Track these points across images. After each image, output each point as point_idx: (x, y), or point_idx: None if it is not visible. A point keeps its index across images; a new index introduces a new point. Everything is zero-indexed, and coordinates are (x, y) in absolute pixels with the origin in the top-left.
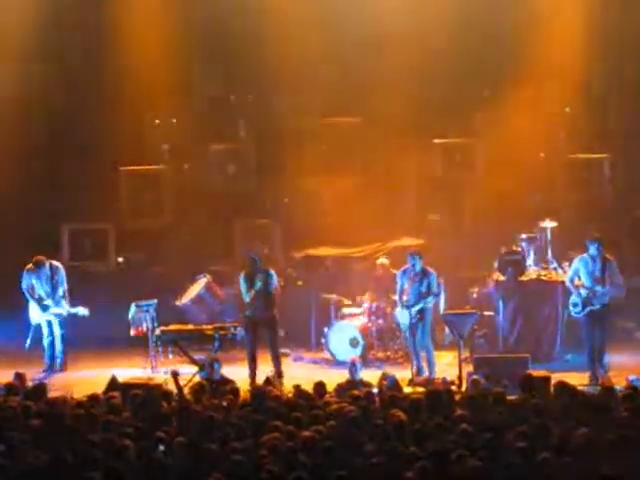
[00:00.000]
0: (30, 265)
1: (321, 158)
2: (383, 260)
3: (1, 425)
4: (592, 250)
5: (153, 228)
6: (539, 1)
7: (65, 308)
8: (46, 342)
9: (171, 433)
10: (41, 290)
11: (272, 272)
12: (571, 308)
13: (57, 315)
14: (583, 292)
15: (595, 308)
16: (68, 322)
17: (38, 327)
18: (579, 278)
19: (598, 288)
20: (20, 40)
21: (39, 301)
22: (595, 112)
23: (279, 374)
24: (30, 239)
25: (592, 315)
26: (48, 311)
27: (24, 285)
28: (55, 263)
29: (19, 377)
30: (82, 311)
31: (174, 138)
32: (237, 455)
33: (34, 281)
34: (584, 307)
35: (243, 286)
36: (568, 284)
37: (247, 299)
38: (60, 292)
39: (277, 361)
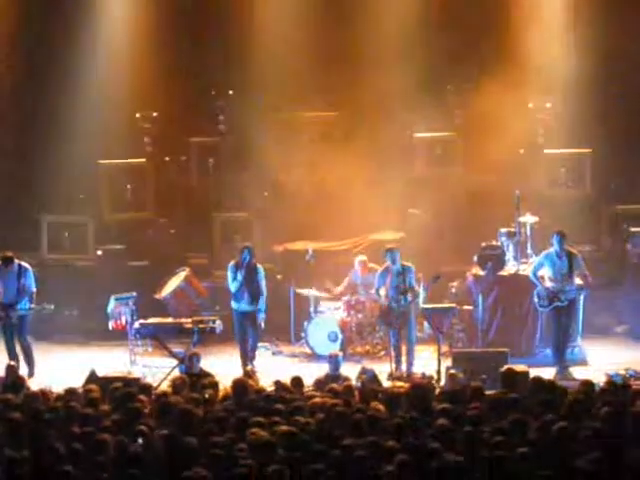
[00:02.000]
0: None
1: (301, 152)
2: (361, 257)
3: None
4: (556, 245)
5: (133, 221)
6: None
7: (28, 308)
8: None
9: (150, 426)
10: (5, 290)
11: (260, 267)
12: (535, 300)
13: (20, 318)
14: (549, 286)
15: (562, 304)
16: (32, 325)
17: None
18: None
19: (566, 284)
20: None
21: (1, 305)
22: (576, 107)
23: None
24: (9, 231)
25: (559, 310)
26: (10, 315)
27: None
28: (24, 264)
29: (10, 369)
30: (47, 307)
31: (155, 131)
32: (216, 449)
33: None
34: (550, 302)
35: (229, 276)
36: (531, 277)
37: (232, 289)
38: (26, 296)
39: (251, 355)
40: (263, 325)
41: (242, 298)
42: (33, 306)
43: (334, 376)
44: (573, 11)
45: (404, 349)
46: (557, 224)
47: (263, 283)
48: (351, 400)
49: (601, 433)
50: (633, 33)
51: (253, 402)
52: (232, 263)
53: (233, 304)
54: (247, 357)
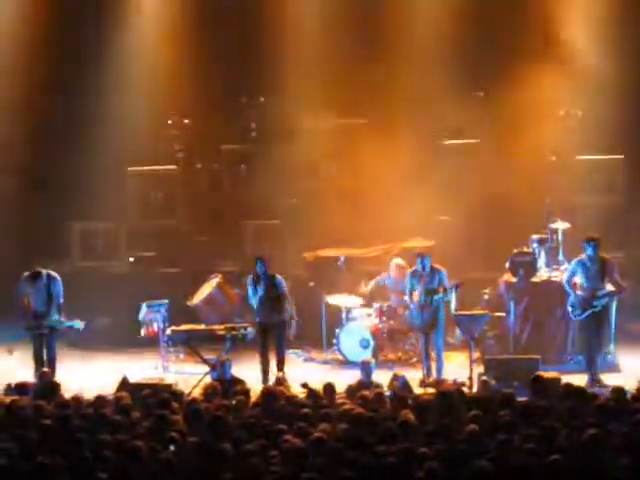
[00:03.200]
0: (27, 274)
1: (331, 159)
2: (398, 260)
3: (14, 425)
4: (589, 251)
5: (164, 228)
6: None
7: (60, 320)
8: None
9: (182, 433)
10: (35, 301)
11: (279, 277)
12: (569, 309)
13: (51, 329)
14: (580, 294)
15: (596, 310)
16: (60, 338)
17: None
18: (576, 280)
19: (598, 289)
20: (32, 38)
21: (33, 314)
22: (607, 113)
23: (281, 378)
24: (40, 239)
25: (593, 317)
26: (41, 325)
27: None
28: (53, 274)
29: (43, 375)
30: (77, 324)
31: (186, 139)
32: (248, 456)
33: (29, 291)
34: (583, 310)
35: (249, 290)
36: (564, 285)
37: (253, 303)
38: (55, 305)
39: (281, 364)
40: (294, 331)
41: (264, 310)
42: (63, 320)
43: (366, 383)
44: (604, 17)
45: (432, 356)
46: (588, 231)
47: (285, 291)
48: (381, 408)
49: (632, 440)
50: None
51: (283, 409)
52: (250, 277)
53: (256, 316)
54: (268, 370)
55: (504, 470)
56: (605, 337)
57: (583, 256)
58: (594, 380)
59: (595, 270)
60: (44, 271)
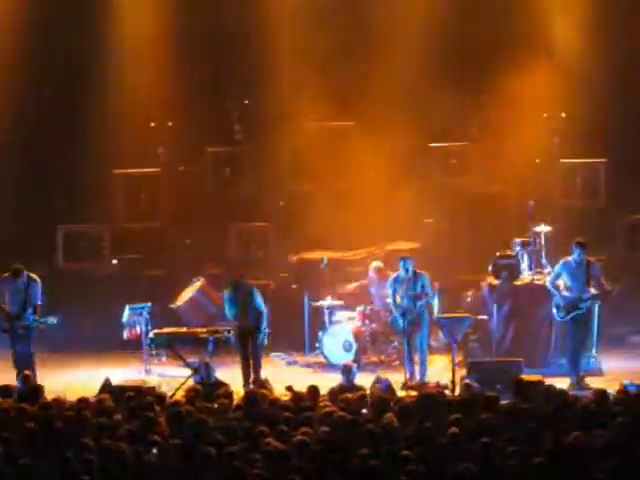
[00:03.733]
0: (7, 274)
1: (317, 161)
2: (378, 263)
3: None
4: (576, 254)
5: (148, 230)
6: (536, 4)
7: (34, 319)
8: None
9: (164, 436)
10: (11, 301)
11: (255, 291)
12: (554, 311)
13: (26, 328)
14: (566, 294)
15: (581, 312)
16: (46, 335)
17: None
18: (559, 282)
19: (584, 292)
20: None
21: (7, 316)
22: (591, 116)
23: (264, 380)
24: (24, 241)
25: (577, 319)
26: (16, 326)
27: None
28: (33, 276)
29: (25, 378)
30: (51, 319)
31: (170, 141)
32: (230, 459)
33: (5, 291)
34: (568, 312)
35: (226, 306)
36: (549, 286)
37: (229, 316)
38: (30, 308)
39: (257, 370)
40: (266, 342)
41: (241, 315)
42: (36, 318)
43: (347, 387)
44: (590, 17)
45: (417, 358)
46: (570, 234)
47: (261, 304)
48: (362, 410)
49: (615, 443)
50: None
51: (266, 412)
52: (227, 294)
53: (234, 321)
54: (249, 373)
55: (487, 473)
56: (589, 339)
57: (569, 258)
58: (577, 382)
59: (581, 273)
60: (25, 271)
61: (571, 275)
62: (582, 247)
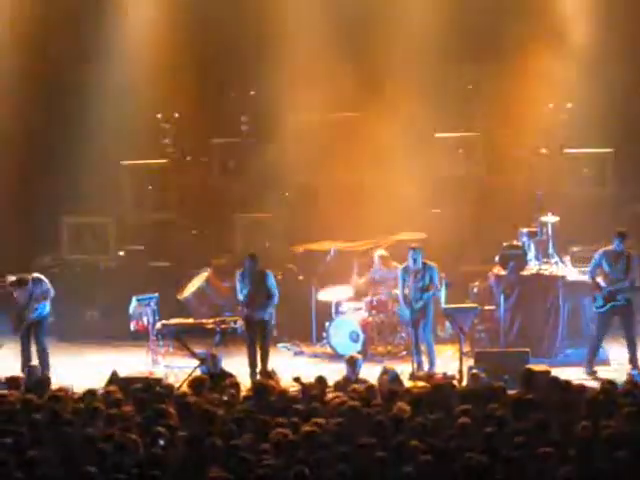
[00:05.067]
0: (13, 279)
1: (322, 153)
2: (381, 252)
3: (3, 419)
4: (616, 244)
5: (154, 222)
6: None
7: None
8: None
9: (172, 427)
10: (18, 301)
11: (269, 273)
12: (592, 301)
13: (34, 321)
14: (604, 286)
15: (619, 303)
16: (53, 326)
17: None
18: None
19: (622, 284)
20: (29, 32)
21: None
22: (598, 107)
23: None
24: (30, 232)
25: (615, 311)
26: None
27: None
28: (36, 276)
29: (31, 370)
30: (45, 306)
31: (176, 132)
32: (238, 450)
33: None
34: (605, 302)
35: (238, 285)
36: (588, 276)
37: (240, 297)
38: (34, 301)
39: (264, 362)
40: (274, 332)
41: (251, 306)
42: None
43: (352, 379)
44: (595, 13)
45: (424, 350)
46: (577, 224)
47: (274, 288)
48: (372, 401)
49: (623, 433)
50: None
51: (274, 403)
52: (239, 272)
53: (243, 311)
54: (256, 364)
55: (496, 463)
56: (631, 332)
57: (609, 247)
58: (590, 371)
59: (620, 264)
60: (29, 279)
61: (610, 265)
62: (622, 237)
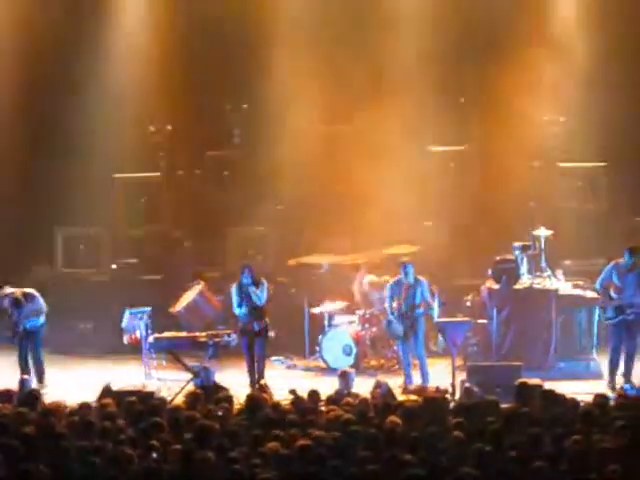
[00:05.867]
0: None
1: (315, 165)
2: (370, 277)
3: None
4: (627, 259)
5: (147, 235)
6: (536, 7)
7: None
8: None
9: (165, 441)
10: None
11: (264, 282)
12: (600, 312)
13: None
14: (615, 298)
15: (629, 318)
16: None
17: None
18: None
19: (633, 298)
20: (21, 44)
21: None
22: (591, 120)
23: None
24: (24, 245)
25: (624, 324)
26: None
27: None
28: (27, 291)
29: (23, 383)
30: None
31: (169, 145)
32: (231, 463)
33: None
34: (617, 314)
35: (234, 300)
36: (597, 286)
37: (237, 312)
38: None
39: (260, 373)
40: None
41: (248, 318)
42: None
43: (343, 393)
44: (589, 21)
45: (415, 364)
46: (570, 237)
47: (262, 297)
48: (366, 414)
49: (615, 447)
50: None
51: (267, 416)
52: (235, 286)
53: (239, 323)
54: (254, 374)
55: (489, 477)
56: (635, 348)
57: (620, 260)
58: (612, 386)
59: (632, 278)
60: (23, 300)
61: (621, 278)
62: (632, 252)
